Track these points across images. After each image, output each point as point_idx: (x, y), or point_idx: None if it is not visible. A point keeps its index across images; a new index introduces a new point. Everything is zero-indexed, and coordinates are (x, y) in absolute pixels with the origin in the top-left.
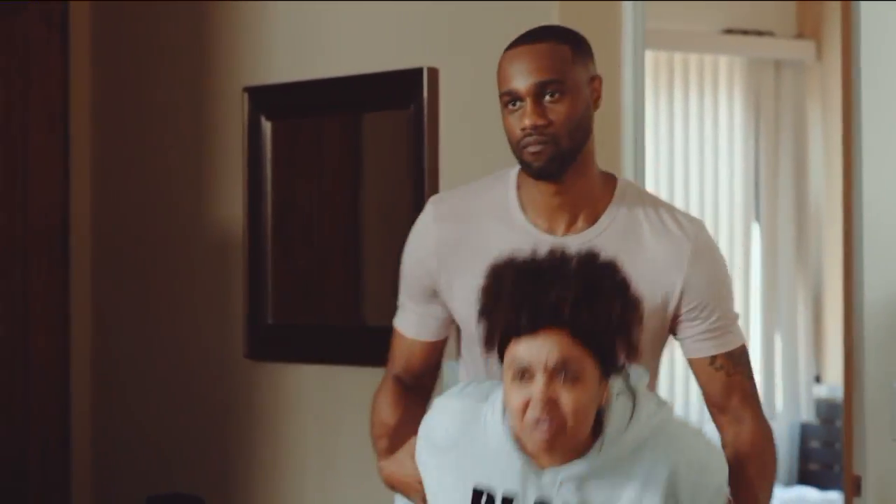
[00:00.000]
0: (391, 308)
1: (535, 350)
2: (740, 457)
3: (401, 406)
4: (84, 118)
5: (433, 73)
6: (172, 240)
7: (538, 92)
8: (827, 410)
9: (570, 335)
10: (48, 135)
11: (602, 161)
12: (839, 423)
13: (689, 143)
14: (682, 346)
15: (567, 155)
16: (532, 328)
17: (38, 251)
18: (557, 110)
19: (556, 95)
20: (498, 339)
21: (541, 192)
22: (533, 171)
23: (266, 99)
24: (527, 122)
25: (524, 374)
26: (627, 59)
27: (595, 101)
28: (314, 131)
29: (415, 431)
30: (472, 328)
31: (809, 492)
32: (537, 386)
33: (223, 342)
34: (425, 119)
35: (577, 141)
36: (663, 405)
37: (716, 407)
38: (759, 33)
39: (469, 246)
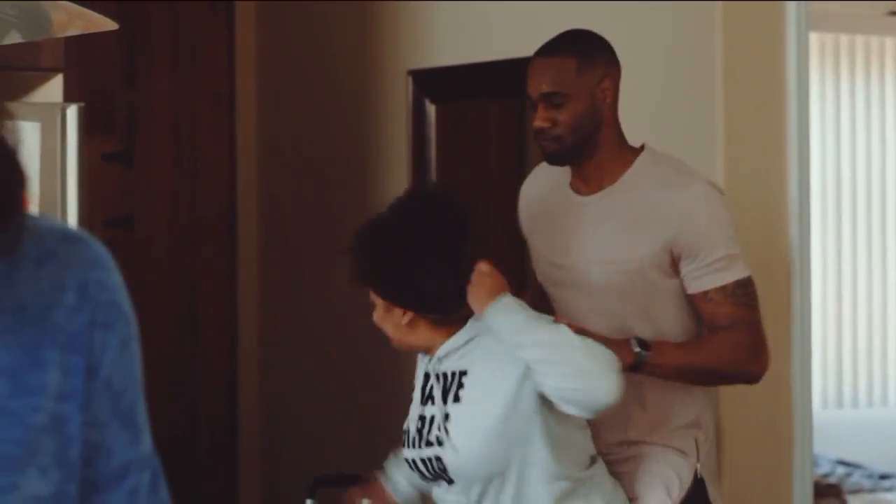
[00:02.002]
0: None
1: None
2: (709, 338)
3: None
4: (250, 103)
5: None
6: (337, 223)
7: (545, 100)
8: None
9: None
10: (215, 120)
11: (766, 144)
12: None
13: (856, 126)
14: (684, 284)
15: (572, 148)
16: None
17: (206, 239)
18: (562, 114)
19: (560, 103)
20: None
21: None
22: (546, 159)
23: (430, 82)
24: (536, 124)
25: None
26: (791, 43)
27: (609, 98)
28: (478, 114)
29: None
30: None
31: None
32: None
33: None
34: None
35: (581, 136)
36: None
37: (710, 331)
38: None
39: (533, 208)
